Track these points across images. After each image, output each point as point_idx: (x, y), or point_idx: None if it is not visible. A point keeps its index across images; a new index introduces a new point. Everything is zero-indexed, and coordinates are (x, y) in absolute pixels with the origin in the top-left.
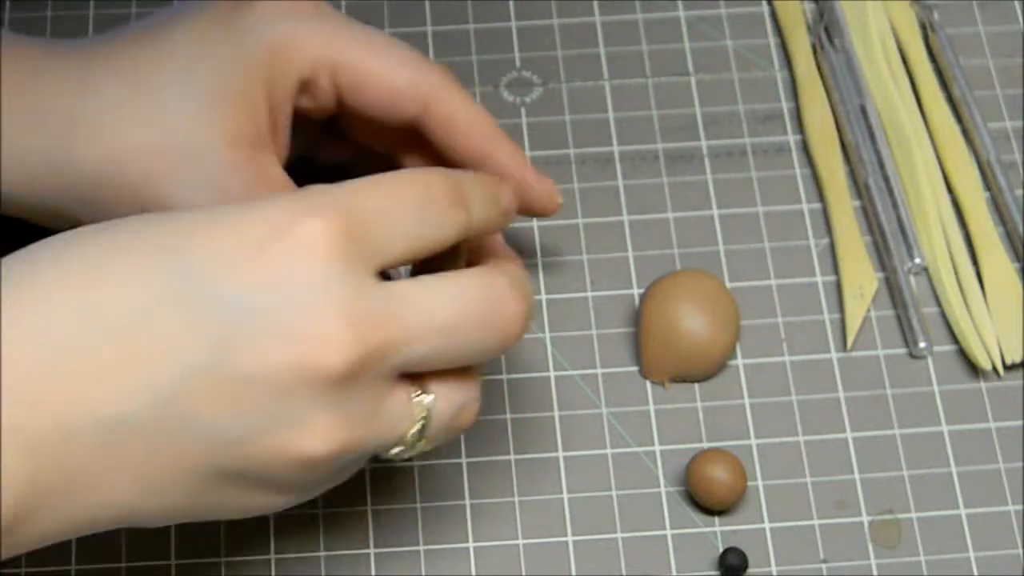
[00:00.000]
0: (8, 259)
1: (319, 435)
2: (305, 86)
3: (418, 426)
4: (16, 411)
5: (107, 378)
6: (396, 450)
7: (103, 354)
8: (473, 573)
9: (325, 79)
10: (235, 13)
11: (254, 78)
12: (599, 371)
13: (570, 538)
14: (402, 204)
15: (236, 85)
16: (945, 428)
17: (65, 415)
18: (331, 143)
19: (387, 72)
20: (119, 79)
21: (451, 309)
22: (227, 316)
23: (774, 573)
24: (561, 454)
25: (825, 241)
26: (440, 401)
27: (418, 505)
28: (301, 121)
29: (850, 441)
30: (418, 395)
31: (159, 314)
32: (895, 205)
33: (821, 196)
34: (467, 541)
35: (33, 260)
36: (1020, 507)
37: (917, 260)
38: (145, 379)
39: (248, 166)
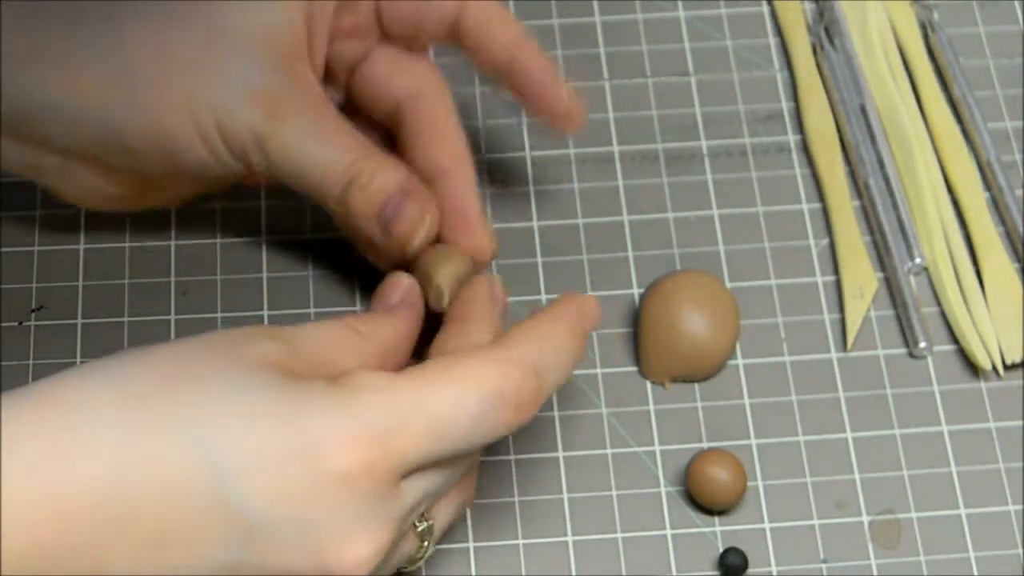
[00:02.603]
0: (16, 401)
1: None
2: (345, 4)
3: (425, 547)
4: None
5: (133, 554)
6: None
7: (128, 528)
8: (473, 573)
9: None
10: None
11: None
12: (599, 371)
13: (570, 538)
14: (458, 421)
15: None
16: (945, 428)
17: None
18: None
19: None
20: None
21: (458, 470)
22: (253, 517)
23: (774, 573)
24: (561, 454)
25: (825, 241)
26: (441, 518)
27: None
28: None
29: (850, 441)
30: (423, 525)
31: (189, 501)
32: (895, 205)
33: (821, 196)
34: (467, 541)
35: (63, 399)
36: (1020, 507)
37: (917, 260)
38: (170, 562)
39: (288, 73)
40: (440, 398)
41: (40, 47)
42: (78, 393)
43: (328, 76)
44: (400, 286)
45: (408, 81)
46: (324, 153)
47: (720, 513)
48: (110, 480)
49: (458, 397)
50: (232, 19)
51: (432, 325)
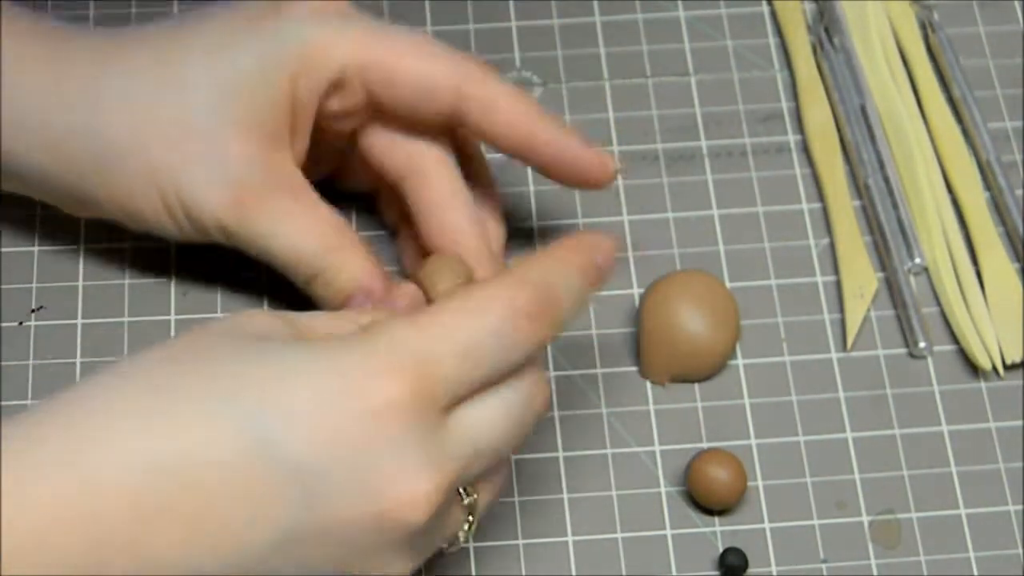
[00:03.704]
0: (56, 398)
1: (399, 568)
2: (335, 87)
3: (470, 524)
4: (88, 562)
5: (189, 536)
6: (446, 546)
7: (179, 508)
8: (473, 573)
9: (356, 80)
10: (265, 15)
11: (277, 77)
12: (599, 371)
13: (570, 538)
14: (483, 340)
15: (257, 82)
16: (945, 428)
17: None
18: (352, 171)
19: (418, 62)
20: (146, 58)
21: (504, 427)
22: (306, 473)
23: (774, 573)
24: (561, 454)
25: (825, 241)
26: (484, 495)
27: None
28: (326, 147)
29: (850, 441)
30: (468, 499)
31: (238, 472)
32: (895, 205)
33: (821, 196)
34: (467, 541)
35: (88, 396)
36: (1020, 507)
37: (917, 260)
38: (227, 546)
39: (262, 162)
40: (461, 323)
41: (21, 112)
42: (101, 392)
43: (318, 151)
44: (406, 296)
45: (404, 160)
46: (290, 243)
47: (720, 513)
48: (146, 468)
49: (477, 318)
50: (214, 95)
51: None
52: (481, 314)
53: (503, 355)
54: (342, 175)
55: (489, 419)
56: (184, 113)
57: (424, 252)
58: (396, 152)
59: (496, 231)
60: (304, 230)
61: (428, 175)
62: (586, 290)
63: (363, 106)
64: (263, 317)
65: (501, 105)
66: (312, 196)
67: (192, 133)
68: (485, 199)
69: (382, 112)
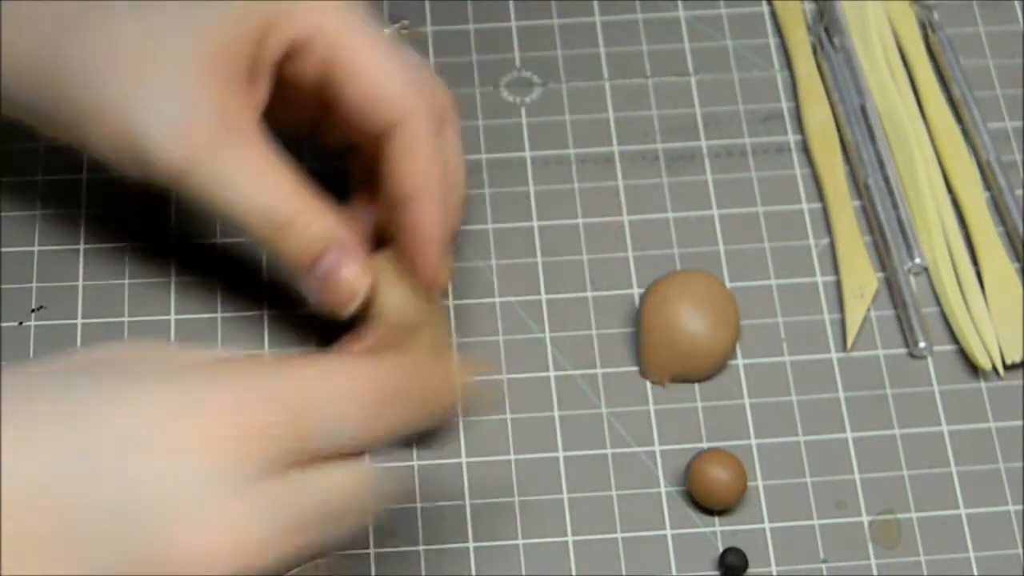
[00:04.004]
0: None
1: None
2: (293, 53)
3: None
4: None
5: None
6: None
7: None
8: (473, 573)
9: (317, 54)
10: None
11: (248, 25)
12: (599, 371)
13: (570, 538)
14: (325, 410)
15: (229, 27)
16: (945, 428)
17: None
18: (331, 127)
19: (375, 76)
20: (126, 5)
21: (322, 507)
22: (116, 510)
23: (774, 573)
24: (561, 454)
25: (825, 241)
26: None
27: (418, 505)
28: (304, 97)
29: (850, 441)
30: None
31: (12, 509)
32: (895, 205)
33: (821, 196)
34: (467, 541)
35: None
36: (1020, 507)
37: (917, 260)
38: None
39: (222, 106)
40: (310, 384)
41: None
42: None
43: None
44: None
45: (387, 113)
46: (250, 192)
47: (720, 513)
48: None
49: (328, 384)
50: (182, 39)
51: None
52: (333, 383)
53: (337, 434)
54: (323, 130)
55: (310, 492)
56: (147, 52)
57: (377, 228)
58: (378, 107)
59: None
60: (265, 179)
61: (408, 123)
62: (434, 407)
63: (313, 86)
64: (131, 349)
65: (414, 163)
66: (271, 148)
67: (151, 72)
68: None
69: (326, 105)
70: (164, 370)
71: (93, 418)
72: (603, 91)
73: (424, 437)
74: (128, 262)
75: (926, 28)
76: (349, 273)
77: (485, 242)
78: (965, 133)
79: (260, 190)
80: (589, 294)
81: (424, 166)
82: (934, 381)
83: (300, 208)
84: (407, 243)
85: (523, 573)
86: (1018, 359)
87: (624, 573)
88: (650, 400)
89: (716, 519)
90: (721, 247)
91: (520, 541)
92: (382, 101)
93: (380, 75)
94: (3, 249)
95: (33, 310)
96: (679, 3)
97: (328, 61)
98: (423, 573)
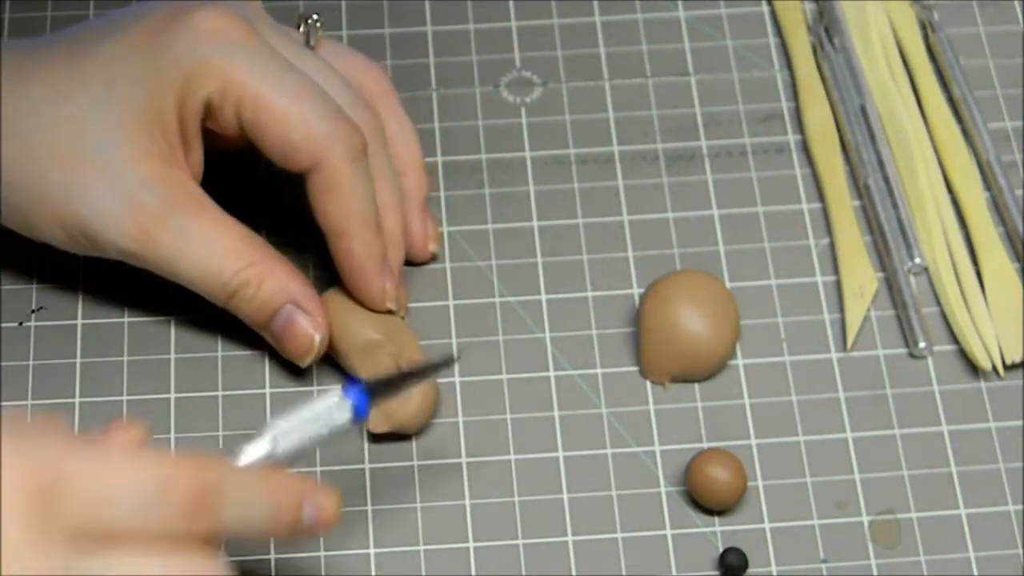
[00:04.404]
0: None
1: None
2: (210, 111)
3: None
4: None
5: None
6: None
7: None
8: (473, 573)
9: (230, 109)
10: (167, 27)
11: (167, 95)
12: (599, 371)
13: (570, 538)
14: (130, 496)
15: (150, 101)
16: (945, 428)
17: None
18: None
19: (286, 120)
20: (44, 88)
21: None
22: None
23: (774, 573)
24: (561, 454)
25: (825, 241)
26: None
27: (418, 505)
28: (232, 140)
29: (850, 441)
30: None
31: None
32: (895, 205)
33: (821, 196)
34: (467, 541)
35: None
36: (1020, 507)
37: (917, 260)
38: None
39: (161, 182)
40: (121, 471)
41: None
42: None
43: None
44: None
45: (302, 159)
46: (199, 261)
47: (720, 513)
48: None
49: (139, 473)
50: (109, 125)
51: None
52: (143, 473)
53: (146, 519)
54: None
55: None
56: (80, 143)
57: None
58: (297, 142)
59: (415, 184)
60: (212, 247)
61: (334, 159)
62: (265, 511)
63: (236, 135)
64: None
65: (337, 198)
66: (217, 211)
67: (88, 161)
68: (402, 156)
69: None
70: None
71: None
72: (603, 91)
73: None
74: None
75: (926, 28)
76: (302, 327)
77: (485, 242)
78: (965, 133)
79: (210, 257)
80: (589, 294)
81: (344, 203)
82: (934, 381)
83: (251, 271)
84: (344, 274)
85: (523, 573)
86: (1018, 359)
87: (624, 573)
88: (650, 400)
89: (716, 519)
90: (721, 247)
91: (520, 541)
92: (295, 149)
93: (291, 122)
94: (3, 249)
95: (33, 310)
96: (679, 3)
97: (242, 111)
98: (423, 573)
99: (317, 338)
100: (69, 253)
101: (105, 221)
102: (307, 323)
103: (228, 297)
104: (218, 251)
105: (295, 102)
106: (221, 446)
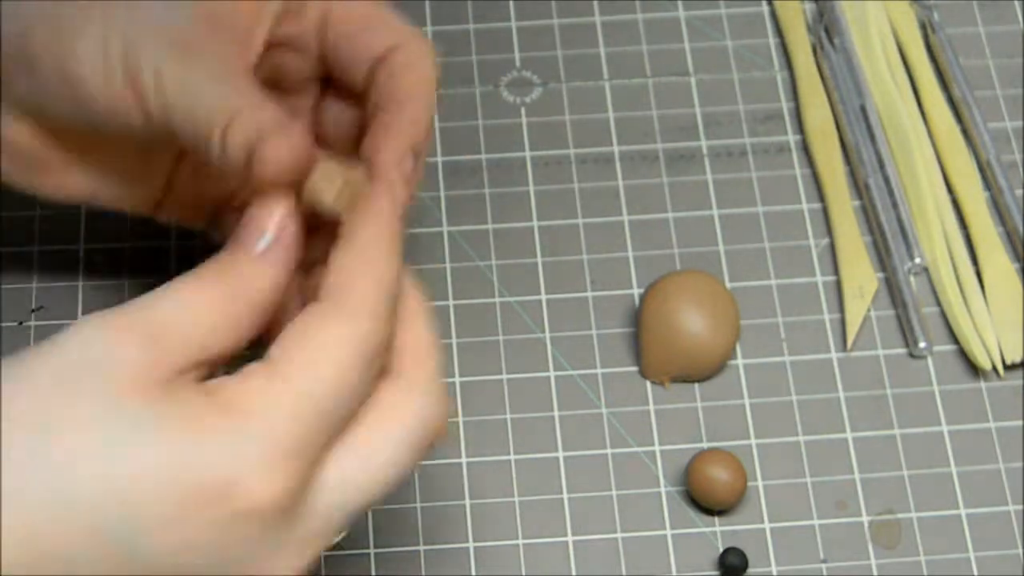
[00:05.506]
0: None
1: None
2: (292, 8)
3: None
4: None
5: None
6: None
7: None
8: (473, 573)
9: (315, 10)
10: None
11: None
12: (599, 371)
13: (570, 538)
14: (345, 398)
15: None
16: (945, 428)
17: None
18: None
19: (366, 7)
20: None
21: (381, 468)
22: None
23: (774, 573)
24: (561, 454)
25: (825, 241)
26: None
27: (418, 505)
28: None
29: (850, 441)
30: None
31: (97, 564)
32: (895, 205)
33: (821, 196)
34: (467, 541)
35: None
36: (1020, 507)
37: (917, 260)
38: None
39: (207, 26)
40: (327, 389)
41: None
42: None
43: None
44: (270, 220)
45: (386, 38)
46: (218, 92)
47: (720, 513)
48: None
49: (339, 374)
50: None
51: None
52: (344, 370)
53: (360, 399)
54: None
55: (356, 473)
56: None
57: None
58: (369, 37)
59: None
60: (233, 82)
61: (414, 46)
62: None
63: (312, 41)
64: (125, 347)
65: (415, 72)
66: (245, 70)
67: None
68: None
69: (321, 58)
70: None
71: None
72: (603, 91)
73: None
74: (128, 262)
75: (926, 28)
76: (279, 145)
77: (485, 242)
78: (965, 133)
79: (224, 91)
80: (589, 294)
81: (420, 72)
82: (934, 381)
83: (248, 103)
84: (378, 139)
85: (523, 573)
86: (1018, 359)
87: (624, 573)
88: (650, 400)
89: (716, 519)
90: (721, 247)
91: (520, 541)
92: (373, 29)
93: (370, 8)
94: (3, 249)
95: (33, 310)
96: (679, 3)
97: (322, 17)
98: (423, 573)
99: (295, 154)
100: (69, 253)
101: (149, 36)
102: (287, 143)
103: (225, 126)
104: (231, 87)
105: (381, 7)
106: None
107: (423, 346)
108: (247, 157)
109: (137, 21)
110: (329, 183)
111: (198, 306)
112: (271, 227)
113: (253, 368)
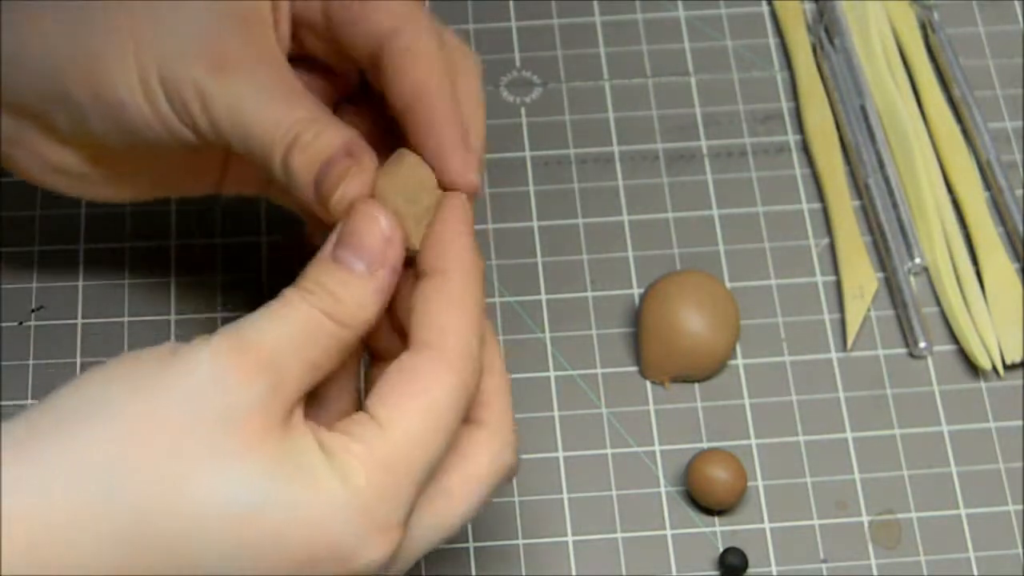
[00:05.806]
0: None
1: None
2: None
3: None
4: None
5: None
6: None
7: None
8: (473, 573)
9: None
10: None
11: None
12: (599, 371)
13: (570, 538)
14: (441, 444)
15: None
16: (945, 428)
17: None
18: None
19: None
20: None
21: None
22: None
23: (774, 573)
24: (561, 454)
25: (825, 241)
26: None
27: None
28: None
29: (850, 441)
30: None
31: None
32: (895, 205)
33: (821, 196)
34: (467, 541)
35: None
36: (1020, 507)
37: (917, 260)
38: None
39: (243, 32)
40: (430, 440)
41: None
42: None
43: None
44: (378, 235)
45: (386, 19)
46: (270, 112)
47: (720, 513)
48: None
49: (439, 425)
50: None
51: None
52: (448, 424)
53: (451, 446)
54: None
55: (441, 519)
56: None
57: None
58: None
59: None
60: (284, 96)
61: (420, 25)
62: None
63: (322, 18)
64: (241, 389)
65: (420, 59)
66: (290, 71)
67: (173, 9)
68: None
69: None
70: None
71: None
72: (603, 91)
73: None
74: (128, 262)
75: (926, 28)
76: (345, 166)
77: (485, 242)
78: (965, 133)
79: (278, 109)
80: (589, 294)
81: (422, 64)
82: (934, 381)
83: (315, 121)
84: (422, 149)
85: (523, 573)
86: (1018, 359)
87: (624, 573)
88: (650, 400)
89: (716, 519)
90: (721, 247)
91: (520, 541)
92: (375, 10)
93: None
94: (3, 249)
95: (33, 310)
96: (679, 3)
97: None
98: (423, 573)
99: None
100: (69, 253)
101: (185, 55)
102: (355, 166)
103: (287, 147)
104: (284, 102)
105: None
106: None
107: (503, 393)
108: (315, 184)
109: (166, 33)
110: (407, 206)
111: (307, 332)
112: (381, 239)
113: (362, 423)
